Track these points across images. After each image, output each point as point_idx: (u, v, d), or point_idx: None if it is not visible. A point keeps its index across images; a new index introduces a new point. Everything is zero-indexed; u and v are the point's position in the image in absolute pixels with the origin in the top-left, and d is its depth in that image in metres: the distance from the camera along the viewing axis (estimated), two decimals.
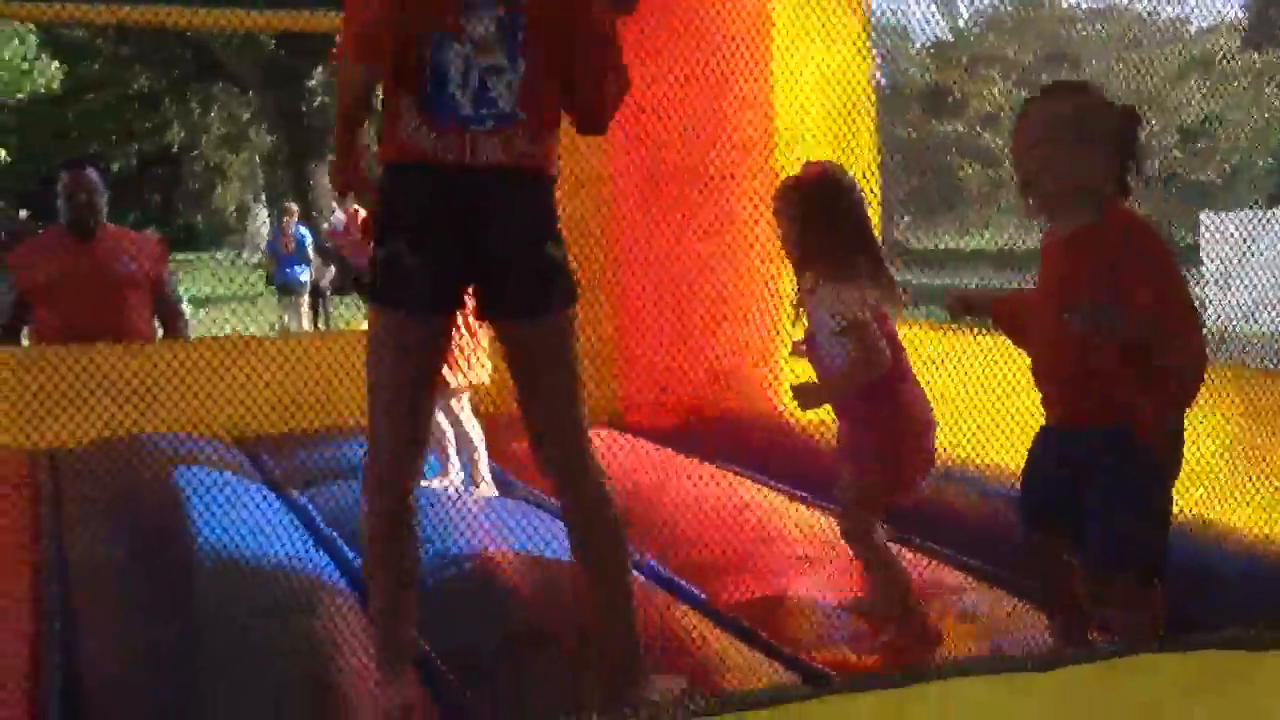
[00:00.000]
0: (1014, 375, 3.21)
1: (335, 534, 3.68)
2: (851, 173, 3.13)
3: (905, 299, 3.05)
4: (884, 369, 2.91)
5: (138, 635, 2.93)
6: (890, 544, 3.07)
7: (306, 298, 14.76)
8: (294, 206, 16.07)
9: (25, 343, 5.28)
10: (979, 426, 3.80)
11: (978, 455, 3.80)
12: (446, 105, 2.33)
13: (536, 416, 2.45)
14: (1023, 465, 2.58)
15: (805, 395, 3.01)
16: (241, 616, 2.91)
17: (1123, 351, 2.36)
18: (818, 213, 2.98)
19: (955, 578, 3.32)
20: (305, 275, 14.61)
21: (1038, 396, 2.57)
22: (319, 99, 20.90)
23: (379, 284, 2.35)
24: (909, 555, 3.35)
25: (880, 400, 2.94)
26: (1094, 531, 2.41)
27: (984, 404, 3.77)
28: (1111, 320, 2.34)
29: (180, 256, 22.51)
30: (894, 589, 2.95)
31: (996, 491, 3.43)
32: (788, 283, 5.09)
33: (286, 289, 14.51)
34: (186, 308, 12.50)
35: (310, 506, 4.00)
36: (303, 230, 15.07)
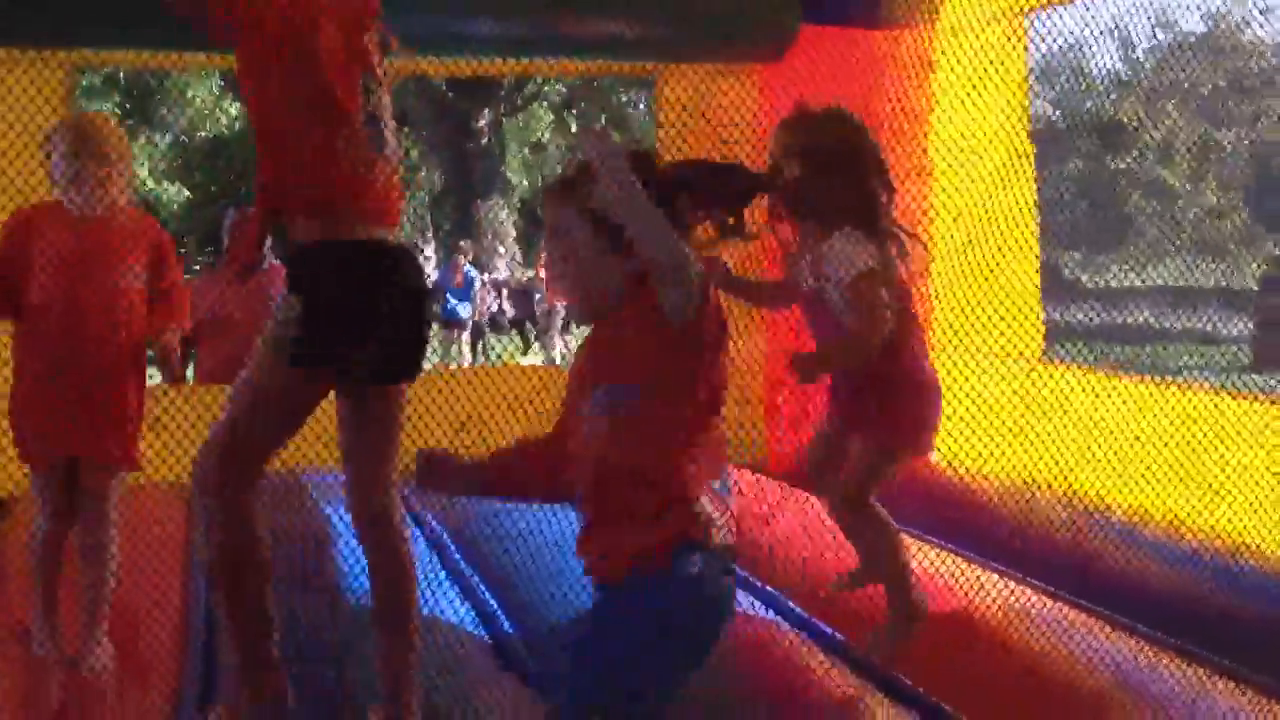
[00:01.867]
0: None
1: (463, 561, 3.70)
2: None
3: (921, 250, 2.89)
4: (888, 327, 2.69)
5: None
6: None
7: (468, 334, 15.28)
8: (466, 245, 16.63)
9: (190, 377, 5.46)
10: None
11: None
12: None
13: (366, 468, 2.60)
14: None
15: (807, 364, 2.77)
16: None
17: None
18: (827, 155, 2.74)
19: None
20: (467, 312, 15.10)
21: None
22: (486, 139, 21.36)
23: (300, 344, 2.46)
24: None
25: (890, 360, 2.75)
26: None
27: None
28: None
29: None
30: (889, 559, 2.83)
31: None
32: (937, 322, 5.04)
33: (449, 324, 15.02)
34: None
35: (451, 544, 4.04)
36: (471, 269, 15.62)
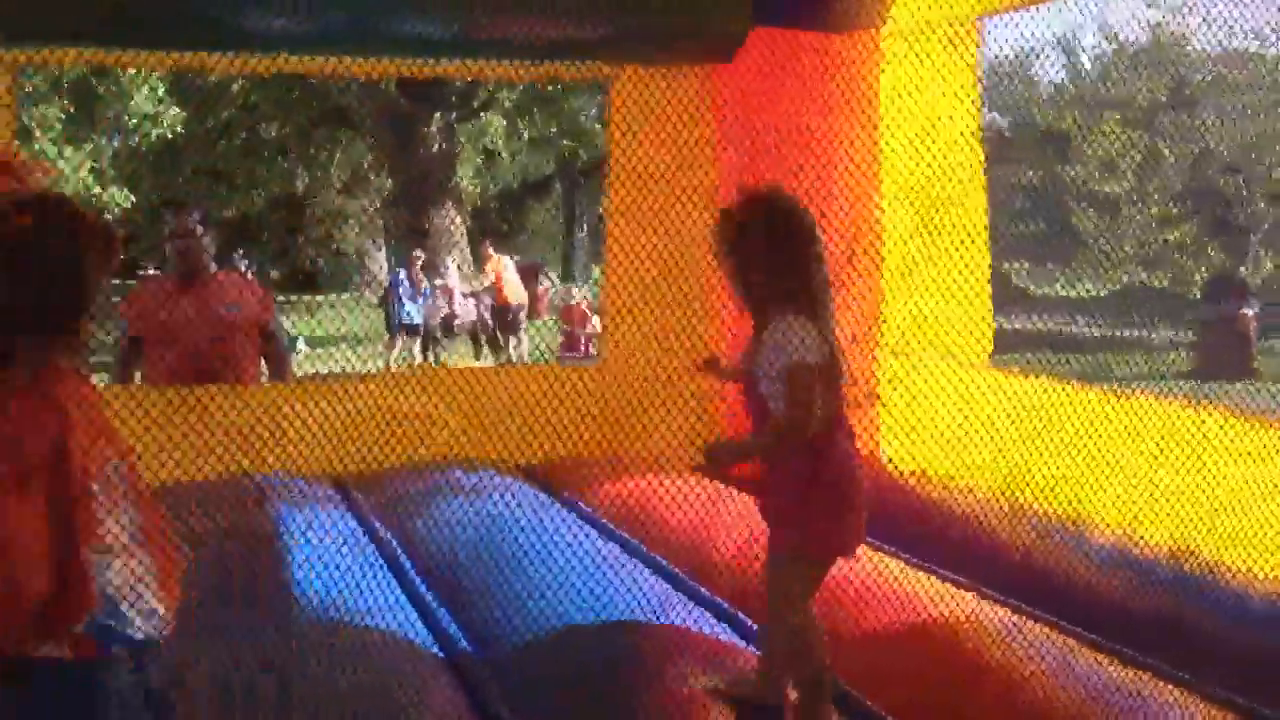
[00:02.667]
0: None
1: (413, 571, 3.68)
2: (798, 201, 2.75)
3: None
4: (812, 426, 2.58)
5: (228, 677, 2.94)
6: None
7: (419, 339, 15.68)
8: (419, 254, 16.89)
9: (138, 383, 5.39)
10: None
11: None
12: None
13: None
14: None
15: (719, 452, 2.72)
16: (326, 663, 2.91)
17: None
18: (764, 242, 2.65)
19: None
20: (419, 317, 15.51)
21: None
22: (437, 145, 21.30)
23: None
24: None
25: (819, 456, 2.63)
26: None
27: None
28: None
29: (302, 297, 23.06)
30: (813, 669, 2.64)
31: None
32: (887, 331, 5.06)
33: (408, 329, 15.46)
34: (303, 347, 12.65)
35: (396, 544, 4.02)
36: (422, 275, 15.99)
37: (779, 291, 2.64)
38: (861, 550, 3.81)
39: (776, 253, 2.65)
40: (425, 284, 15.82)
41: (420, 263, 16.39)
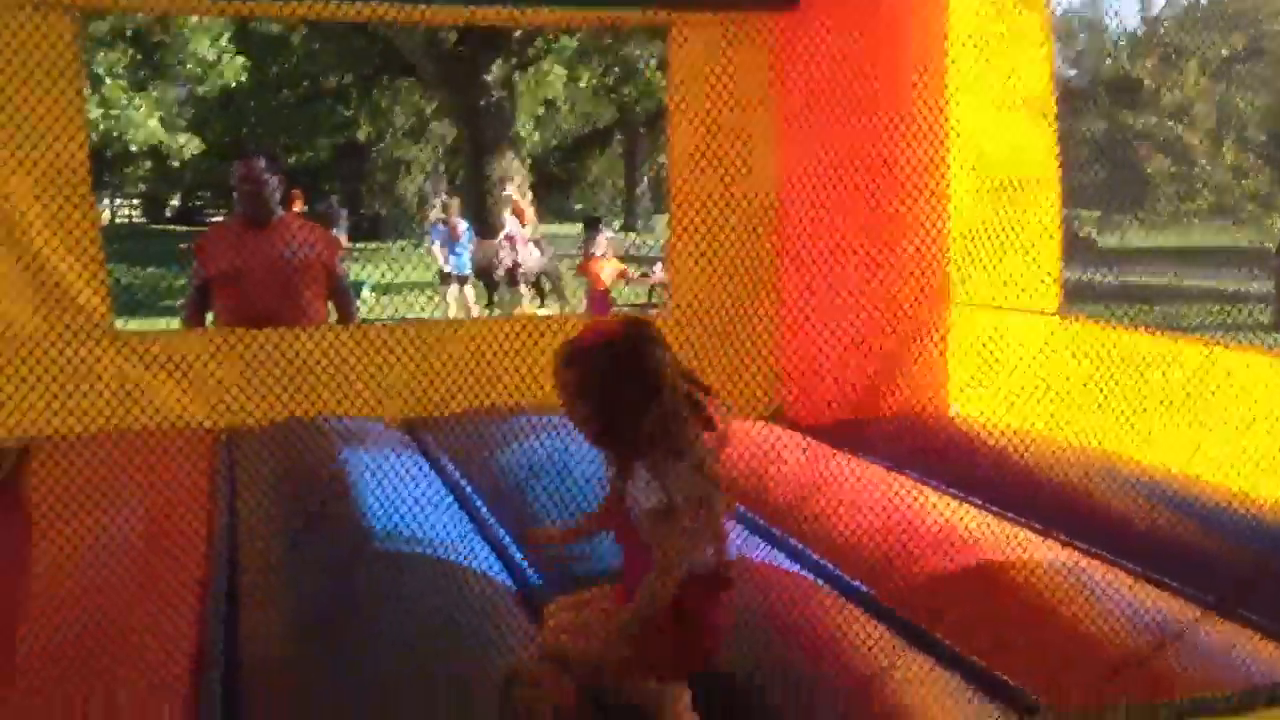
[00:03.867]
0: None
1: (486, 509, 3.74)
2: (653, 329, 2.48)
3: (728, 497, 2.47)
4: (681, 571, 2.37)
5: (299, 614, 3.01)
6: None
7: (469, 286, 15.42)
8: (453, 201, 16.80)
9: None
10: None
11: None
12: None
13: None
14: None
15: (618, 634, 2.42)
16: (402, 598, 2.97)
17: None
18: (602, 390, 2.42)
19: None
20: (467, 263, 15.30)
21: None
22: (497, 93, 21.30)
23: None
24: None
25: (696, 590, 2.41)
26: None
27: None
28: None
29: (365, 245, 23.25)
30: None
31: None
32: (955, 278, 5.04)
33: (453, 276, 15.19)
34: (368, 294, 12.77)
35: (465, 483, 4.08)
36: (463, 221, 15.80)
37: (636, 437, 2.41)
38: (931, 496, 3.84)
39: (624, 398, 2.41)
40: (464, 231, 15.66)
41: (455, 210, 16.27)
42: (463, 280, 15.33)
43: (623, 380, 2.40)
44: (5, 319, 4.53)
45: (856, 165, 4.86)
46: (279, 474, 4.12)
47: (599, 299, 14.13)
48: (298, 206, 16.72)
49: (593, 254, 14.38)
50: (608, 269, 14.29)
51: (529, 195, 20.46)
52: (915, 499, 3.78)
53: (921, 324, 4.85)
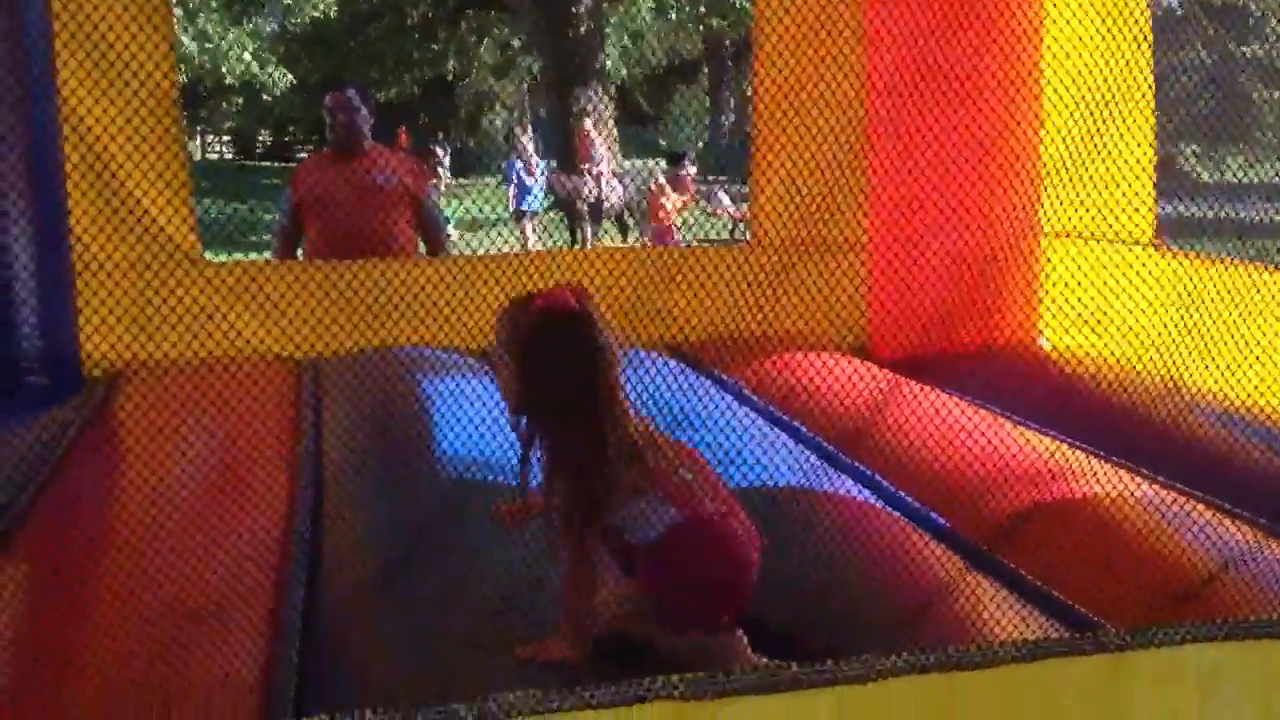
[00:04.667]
0: None
1: None
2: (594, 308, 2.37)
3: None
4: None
5: (378, 535, 3.06)
6: None
7: (537, 221, 15.29)
8: (525, 136, 16.69)
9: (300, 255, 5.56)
10: None
11: None
12: None
13: None
14: None
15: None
16: (476, 523, 2.99)
17: None
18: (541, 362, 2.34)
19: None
20: (538, 198, 15.16)
21: None
22: (585, 26, 21.18)
23: None
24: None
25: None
26: None
27: None
28: None
29: (453, 182, 23.36)
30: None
31: None
32: (1046, 211, 4.92)
33: (526, 213, 15.09)
34: (453, 231, 12.87)
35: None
36: (535, 155, 15.68)
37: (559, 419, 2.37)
38: (1017, 430, 3.78)
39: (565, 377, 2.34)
40: (539, 167, 15.57)
41: (527, 144, 16.16)
42: (532, 216, 15.19)
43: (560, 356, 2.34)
44: (95, 251, 4.62)
45: (946, 93, 4.76)
46: (360, 402, 4.17)
47: (662, 234, 13.87)
48: (403, 141, 16.80)
49: (660, 187, 14.11)
50: (669, 203, 14.05)
51: (609, 129, 20.35)
52: (1000, 432, 3.72)
53: (1011, 255, 4.75)
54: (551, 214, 15.74)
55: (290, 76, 21.89)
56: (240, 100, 25.50)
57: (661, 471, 2.35)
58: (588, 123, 16.96)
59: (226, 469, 3.58)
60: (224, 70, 20.21)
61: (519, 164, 15.61)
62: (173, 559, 2.90)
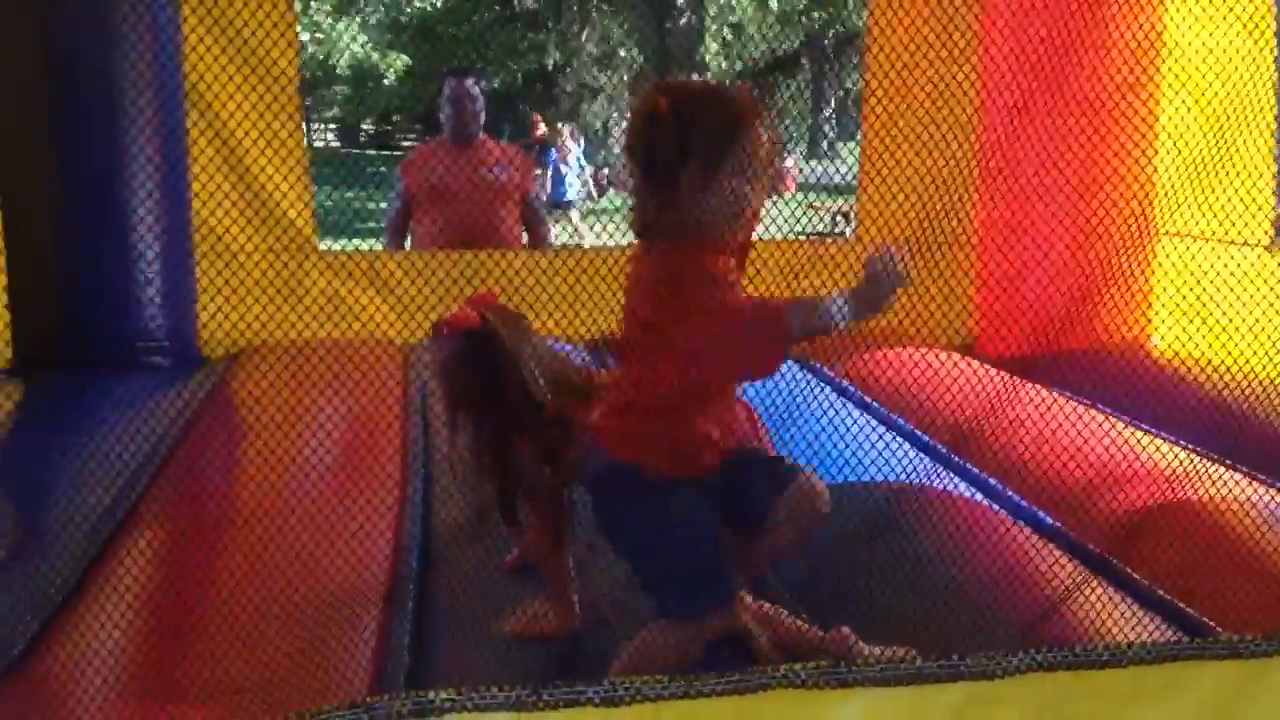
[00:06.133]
0: None
1: None
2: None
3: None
4: None
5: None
6: None
7: (576, 213, 15.08)
8: (565, 126, 16.60)
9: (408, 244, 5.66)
10: None
11: None
12: None
13: None
14: None
15: None
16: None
17: None
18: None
19: None
20: (569, 189, 14.96)
21: None
22: (685, 18, 21.17)
23: None
24: None
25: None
26: None
27: None
28: None
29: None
30: None
31: None
32: (1159, 211, 4.83)
33: (567, 203, 14.91)
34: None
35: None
36: (575, 146, 15.56)
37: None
38: (1128, 431, 3.73)
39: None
40: (576, 157, 15.43)
41: (566, 135, 16.06)
42: (567, 207, 15.03)
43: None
44: (218, 234, 4.75)
45: (1061, 88, 4.69)
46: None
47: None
48: (541, 131, 16.84)
49: None
50: None
51: None
52: (1110, 433, 3.68)
53: (1125, 254, 4.68)
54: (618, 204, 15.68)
55: (405, 58, 22.21)
56: (346, 89, 25.90)
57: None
58: None
59: (342, 449, 3.68)
60: (335, 59, 20.54)
61: (555, 154, 15.56)
62: (292, 535, 2.99)
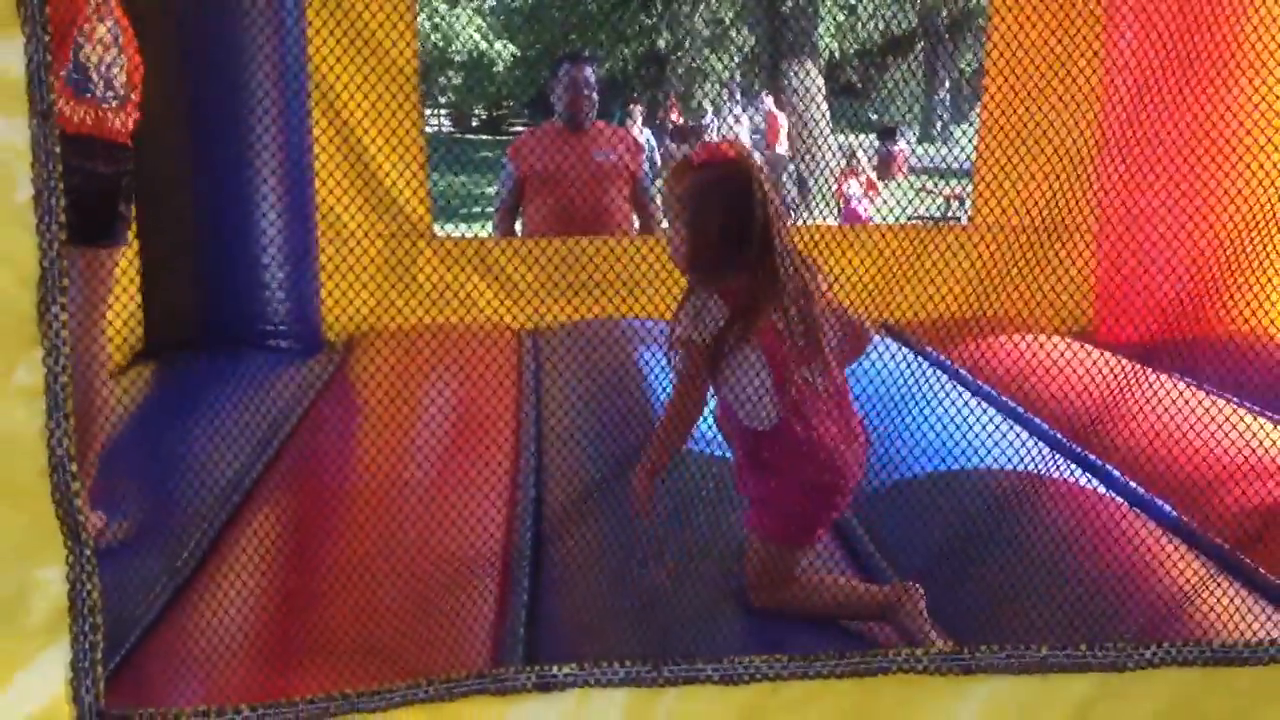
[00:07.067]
0: None
1: None
2: (760, 162, 2.49)
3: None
4: (697, 415, 2.47)
5: (599, 495, 3.16)
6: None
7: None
8: (635, 108, 16.57)
9: (519, 227, 5.72)
10: None
11: None
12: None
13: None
14: None
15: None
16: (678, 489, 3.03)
17: None
18: (709, 211, 2.46)
19: None
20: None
21: None
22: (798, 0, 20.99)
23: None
24: None
25: (771, 441, 2.43)
26: None
27: None
28: None
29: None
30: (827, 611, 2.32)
31: None
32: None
33: None
34: None
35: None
36: (645, 130, 15.53)
37: (708, 266, 2.50)
38: (1251, 421, 3.63)
39: (725, 228, 2.46)
40: (643, 141, 15.35)
41: (637, 118, 16.02)
42: None
43: (723, 206, 2.44)
44: (336, 220, 4.85)
45: (1186, 71, 4.57)
46: (579, 369, 4.29)
47: (849, 215, 13.59)
48: (675, 115, 16.90)
49: (850, 169, 13.83)
50: (854, 185, 13.69)
51: (818, 105, 20.06)
52: (1232, 423, 3.59)
53: (1249, 241, 4.55)
54: None
55: (513, 48, 22.39)
56: (458, 75, 26.19)
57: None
58: (769, 102, 16.82)
59: (457, 430, 3.74)
60: (452, 47, 20.80)
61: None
62: (408, 508, 3.06)
